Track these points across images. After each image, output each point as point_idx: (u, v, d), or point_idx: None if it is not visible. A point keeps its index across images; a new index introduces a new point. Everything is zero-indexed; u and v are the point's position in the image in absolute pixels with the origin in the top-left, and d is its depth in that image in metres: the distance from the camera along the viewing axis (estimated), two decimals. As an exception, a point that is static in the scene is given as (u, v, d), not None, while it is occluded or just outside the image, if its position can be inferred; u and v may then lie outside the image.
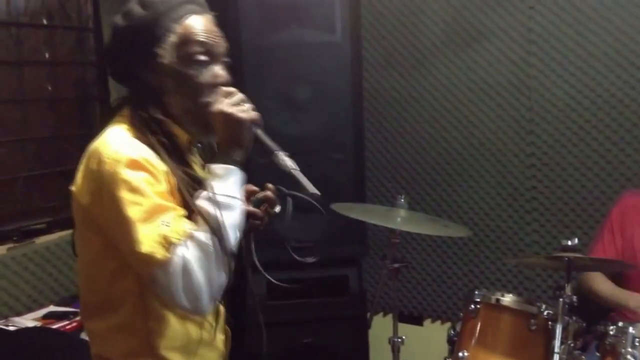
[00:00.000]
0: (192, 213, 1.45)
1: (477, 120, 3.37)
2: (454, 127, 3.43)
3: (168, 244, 1.38)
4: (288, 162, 1.51)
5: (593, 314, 2.50)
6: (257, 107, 3.34)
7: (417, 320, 3.67)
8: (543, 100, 3.20)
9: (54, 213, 3.06)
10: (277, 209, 1.63)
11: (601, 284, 2.71)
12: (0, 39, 2.91)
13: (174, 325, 1.55)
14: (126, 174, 1.40)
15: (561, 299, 2.16)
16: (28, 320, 2.70)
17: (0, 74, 2.93)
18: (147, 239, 1.38)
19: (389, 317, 3.67)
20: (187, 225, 1.42)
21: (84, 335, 2.69)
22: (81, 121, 3.22)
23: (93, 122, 3.17)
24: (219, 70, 1.55)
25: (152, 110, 1.53)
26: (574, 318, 2.27)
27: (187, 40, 1.52)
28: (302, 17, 3.19)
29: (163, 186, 1.45)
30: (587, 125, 3.13)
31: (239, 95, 1.52)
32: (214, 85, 1.53)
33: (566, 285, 2.17)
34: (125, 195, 1.39)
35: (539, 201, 3.27)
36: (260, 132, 1.53)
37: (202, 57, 1.53)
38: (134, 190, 1.40)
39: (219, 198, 1.43)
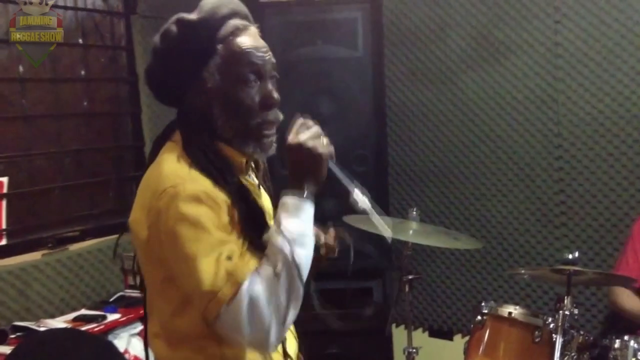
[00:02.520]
0: (254, 245, 1.44)
1: (504, 134, 3.49)
2: (481, 141, 3.55)
3: (233, 279, 1.36)
4: (363, 201, 1.49)
5: (627, 330, 2.56)
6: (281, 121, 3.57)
7: (447, 335, 3.78)
8: (571, 115, 3.30)
9: (87, 222, 3.34)
10: (335, 252, 1.67)
11: (627, 299, 2.79)
12: (38, 58, 3.23)
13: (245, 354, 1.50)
14: (185, 209, 1.37)
15: (561, 312, 2.29)
16: (59, 322, 2.94)
17: (38, 91, 3.23)
18: (211, 276, 1.36)
19: (417, 329, 3.84)
20: (252, 261, 1.41)
21: (111, 338, 2.96)
22: (114, 135, 3.51)
23: (125, 136, 3.47)
24: (269, 89, 1.51)
25: (204, 134, 1.48)
26: (581, 332, 2.39)
27: (232, 60, 1.48)
28: (325, 33, 3.43)
29: (224, 218, 1.41)
30: (616, 140, 3.21)
31: (317, 128, 1.50)
32: (265, 107, 1.50)
33: (566, 297, 2.29)
34: (185, 231, 1.36)
35: (567, 216, 3.35)
36: (335, 168, 1.50)
37: (251, 77, 1.48)
38: (194, 225, 1.37)
39: (292, 234, 1.40)
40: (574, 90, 3.28)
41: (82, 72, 3.43)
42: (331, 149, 1.49)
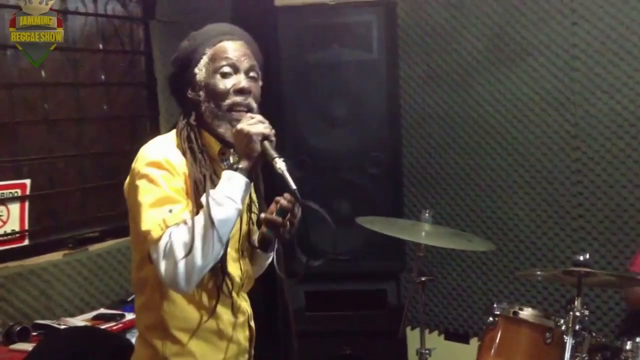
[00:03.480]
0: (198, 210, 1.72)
1: (520, 136, 3.51)
2: (497, 143, 3.58)
3: (164, 225, 1.67)
4: (278, 164, 1.71)
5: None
6: (296, 123, 3.66)
7: (464, 339, 3.81)
8: (588, 116, 3.31)
9: (107, 223, 3.42)
10: (297, 214, 1.84)
11: None
12: (60, 63, 3.30)
13: (185, 309, 1.82)
14: (147, 170, 1.74)
15: (571, 313, 2.31)
16: (78, 321, 3.02)
17: (60, 95, 3.33)
18: (150, 220, 1.68)
19: (432, 332, 3.88)
20: (187, 215, 1.69)
21: (129, 336, 3.04)
22: (133, 137, 3.58)
23: (144, 138, 3.52)
24: (239, 79, 1.85)
25: (191, 120, 1.86)
26: (593, 333, 2.42)
27: (215, 57, 1.86)
28: (340, 36, 3.49)
29: (179, 184, 1.75)
30: (634, 142, 3.21)
31: (258, 117, 1.79)
32: (235, 91, 1.83)
33: (576, 299, 2.32)
34: (142, 185, 1.73)
35: (585, 219, 3.36)
36: (267, 144, 1.73)
37: (226, 69, 1.85)
38: (150, 181, 1.72)
39: (215, 196, 1.69)
40: (591, 91, 3.30)
41: (102, 77, 3.52)
42: (266, 130, 1.75)
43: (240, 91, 1.84)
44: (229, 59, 1.85)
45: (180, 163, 1.79)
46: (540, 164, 3.47)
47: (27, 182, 3.11)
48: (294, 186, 1.69)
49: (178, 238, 1.66)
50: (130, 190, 1.79)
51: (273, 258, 1.94)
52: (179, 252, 1.65)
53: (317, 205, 1.77)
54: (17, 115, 3.13)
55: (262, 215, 1.88)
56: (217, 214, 1.67)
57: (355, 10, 3.53)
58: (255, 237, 1.99)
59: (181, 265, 1.65)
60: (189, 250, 1.65)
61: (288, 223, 1.84)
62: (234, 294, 1.90)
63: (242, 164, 1.75)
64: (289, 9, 3.56)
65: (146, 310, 1.87)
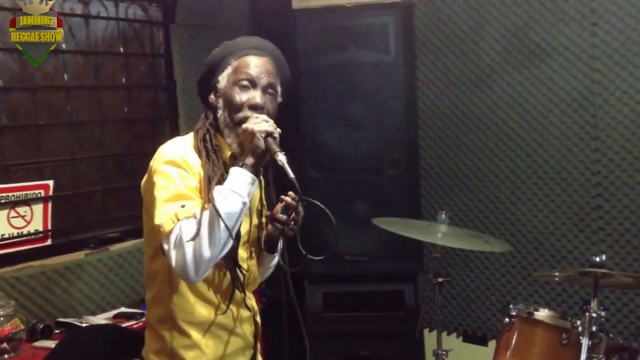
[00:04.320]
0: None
1: (540, 138, 3.51)
2: (516, 145, 3.58)
3: (175, 219, 1.76)
4: (280, 156, 1.81)
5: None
6: (313, 125, 3.70)
7: (482, 341, 3.81)
8: (608, 118, 3.30)
9: (127, 223, 3.47)
10: (300, 212, 1.97)
11: None
12: (81, 66, 3.38)
13: (193, 303, 1.92)
14: (164, 167, 1.84)
15: (587, 314, 2.32)
16: (100, 319, 3.09)
17: (81, 98, 3.39)
18: (163, 214, 1.78)
19: (450, 334, 3.88)
20: (198, 210, 1.78)
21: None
22: (153, 139, 3.61)
23: (163, 140, 3.57)
24: (255, 94, 1.94)
25: (207, 123, 1.98)
26: (610, 334, 2.42)
27: (238, 69, 1.97)
28: (357, 38, 3.53)
29: (194, 183, 1.85)
30: (655, 143, 3.20)
31: (262, 116, 1.89)
32: (248, 106, 1.93)
33: (593, 300, 2.32)
34: (159, 181, 1.83)
35: (605, 220, 3.35)
36: (270, 140, 1.83)
37: (244, 83, 1.95)
38: (166, 178, 1.82)
39: (221, 190, 1.79)
40: (612, 92, 3.29)
41: (123, 80, 3.58)
42: (269, 128, 1.84)
43: (254, 106, 1.93)
44: (249, 73, 1.95)
45: (196, 163, 1.89)
46: (559, 166, 3.47)
47: (50, 183, 3.18)
48: (292, 175, 1.78)
49: (187, 230, 1.75)
50: (147, 187, 1.89)
51: (279, 252, 2.03)
52: (188, 243, 1.74)
53: (320, 202, 1.87)
54: (41, 117, 3.21)
55: (268, 212, 2.01)
56: (223, 206, 1.76)
57: (373, 12, 3.56)
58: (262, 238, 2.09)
59: (189, 255, 1.73)
60: (197, 241, 1.74)
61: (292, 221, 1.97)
62: (241, 290, 2.00)
63: (248, 160, 1.84)
64: (306, 11, 3.59)
65: (156, 302, 1.97)
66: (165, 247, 1.78)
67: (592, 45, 3.32)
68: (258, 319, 2.11)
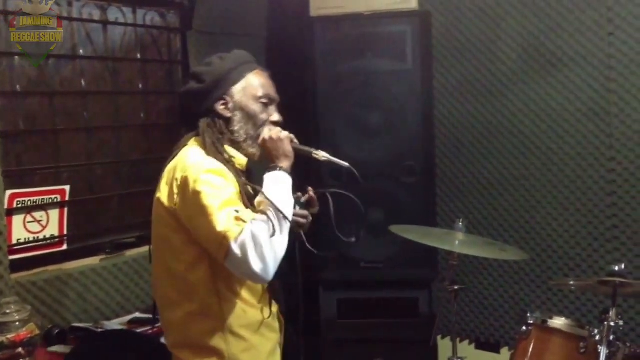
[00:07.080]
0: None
1: (555, 147, 3.54)
2: (532, 153, 3.61)
3: (240, 221, 1.80)
4: (321, 154, 2.02)
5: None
6: (330, 132, 3.73)
7: (495, 348, 3.84)
8: (624, 127, 3.33)
9: (143, 228, 3.44)
10: (317, 209, 2.10)
11: None
12: (99, 72, 3.42)
13: (242, 307, 1.98)
14: (207, 176, 1.87)
15: (606, 323, 2.34)
16: (115, 324, 3.10)
17: (99, 103, 3.43)
18: (223, 221, 1.79)
19: (464, 341, 3.90)
20: (249, 213, 1.86)
21: (163, 340, 3.11)
22: (169, 145, 3.62)
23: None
24: (274, 111, 2.12)
25: (219, 135, 2.04)
26: (628, 343, 2.43)
27: (254, 87, 2.09)
28: (374, 46, 3.56)
29: (234, 189, 1.91)
30: (671, 153, 3.23)
31: (277, 128, 2.07)
32: (272, 122, 2.10)
33: (611, 309, 2.34)
34: (206, 189, 1.84)
35: (620, 229, 3.38)
36: (297, 143, 2.03)
37: (265, 100, 2.09)
38: (213, 186, 1.86)
39: (275, 194, 1.88)
40: (627, 102, 3.32)
41: (140, 86, 3.62)
42: (286, 133, 2.03)
43: (276, 123, 2.10)
44: (268, 91, 2.10)
45: (228, 172, 1.95)
46: (575, 174, 3.50)
47: (67, 188, 3.20)
48: (346, 164, 1.99)
49: (259, 231, 1.79)
50: (188, 198, 1.87)
51: (304, 239, 2.08)
52: (266, 245, 1.78)
53: (336, 210, 2.07)
54: (58, 123, 3.24)
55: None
56: (282, 207, 1.85)
57: (390, 21, 3.59)
58: None
59: (270, 254, 1.78)
60: (272, 242, 1.79)
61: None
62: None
63: (284, 164, 1.98)
64: (324, 19, 3.62)
65: (202, 317, 1.96)
66: (236, 251, 1.77)
67: (609, 55, 3.35)
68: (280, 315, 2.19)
